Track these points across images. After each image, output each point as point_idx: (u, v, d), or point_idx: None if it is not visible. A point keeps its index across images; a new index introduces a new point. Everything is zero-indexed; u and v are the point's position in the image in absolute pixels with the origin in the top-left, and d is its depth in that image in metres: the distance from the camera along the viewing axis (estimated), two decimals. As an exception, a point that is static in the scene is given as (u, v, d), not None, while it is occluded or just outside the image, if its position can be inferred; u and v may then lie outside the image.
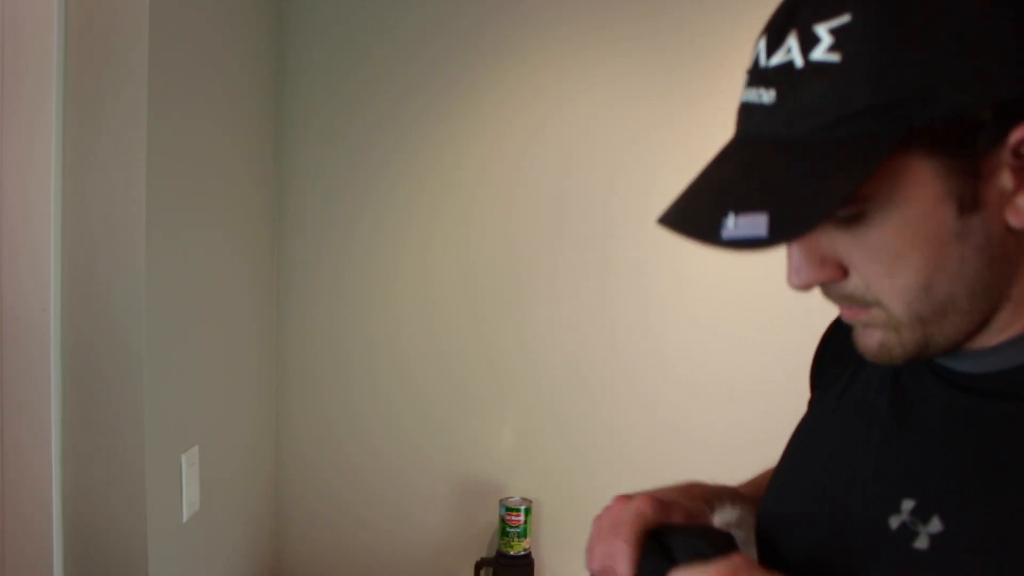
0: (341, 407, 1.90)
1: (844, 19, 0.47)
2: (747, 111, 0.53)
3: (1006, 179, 0.49)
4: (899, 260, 0.51)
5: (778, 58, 0.51)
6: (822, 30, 0.48)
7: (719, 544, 0.60)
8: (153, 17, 1.17)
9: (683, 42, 1.78)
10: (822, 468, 0.65)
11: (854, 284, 0.54)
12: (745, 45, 2.07)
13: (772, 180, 0.50)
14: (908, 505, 0.55)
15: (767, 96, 0.51)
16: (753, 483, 0.85)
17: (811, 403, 0.75)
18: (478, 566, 1.82)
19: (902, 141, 0.47)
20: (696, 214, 0.52)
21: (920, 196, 0.49)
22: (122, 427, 1.19)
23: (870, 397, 0.63)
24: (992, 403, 0.54)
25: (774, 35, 0.52)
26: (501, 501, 1.81)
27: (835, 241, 0.53)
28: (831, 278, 0.54)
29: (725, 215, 0.49)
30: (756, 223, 0.48)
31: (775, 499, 0.71)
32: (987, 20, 0.47)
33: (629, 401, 1.87)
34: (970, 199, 0.49)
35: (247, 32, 1.65)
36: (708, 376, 1.85)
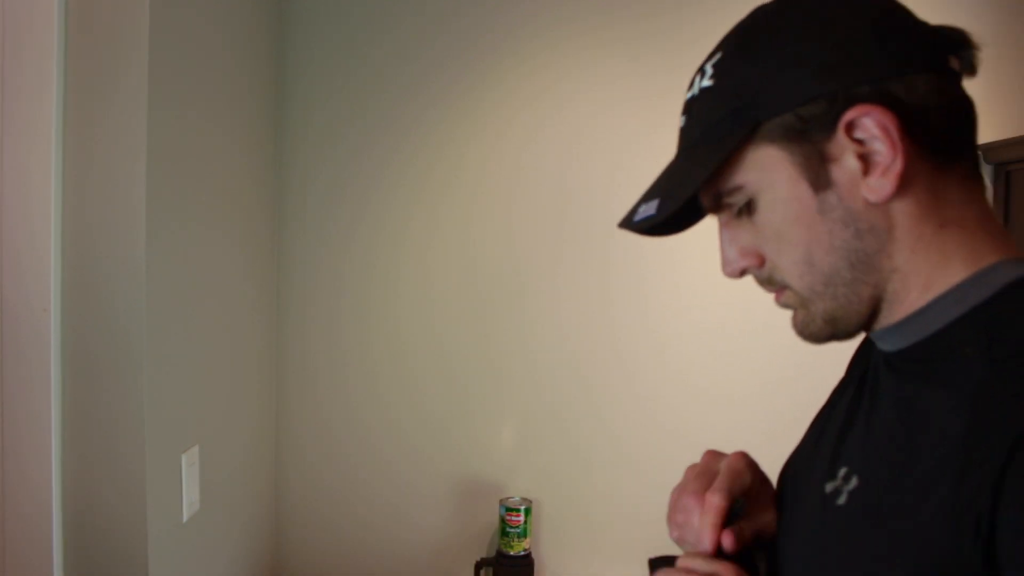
0: (341, 407, 1.90)
1: (718, 55, 0.64)
2: (678, 134, 0.69)
3: (852, 161, 0.59)
4: (783, 239, 0.63)
5: (691, 92, 0.67)
6: (708, 66, 0.65)
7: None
8: (153, 16, 1.17)
9: (683, 42, 1.78)
10: (810, 450, 0.74)
11: (768, 268, 0.66)
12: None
13: (669, 176, 0.67)
14: (842, 472, 0.63)
15: (683, 121, 0.68)
16: None
17: (834, 391, 0.81)
18: (478, 566, 1.82)
19: (755, 135, 0.61)
20: (630, 211, 0.68)
21: (780, 180, 0.61)
22: (122, 427, 1.19)
23: (850, 389, 0.71)
24: (897, 376, 0.62)
25: (692, 79, 0.67)
26: (501, 501, 1.81)
27: (747, 232, 0.66)
28: (752, 264, 0.67)
29: (639, 206, 0.67)
30: (651, 207, 0.65)
31: (785, 481, 0.77)
32: (807, 37, 0.60)
33: (629, 401, 1.87)
34: (820, 179, 0.60)
35: (248, 32, 1.65)
36: (707, 377, 1.84)
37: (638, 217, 0.66)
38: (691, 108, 0.66)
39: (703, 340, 1.84)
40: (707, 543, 0.67)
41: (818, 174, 0.60)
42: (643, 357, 1.86)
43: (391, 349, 1.89)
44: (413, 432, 1.90)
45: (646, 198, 0.66)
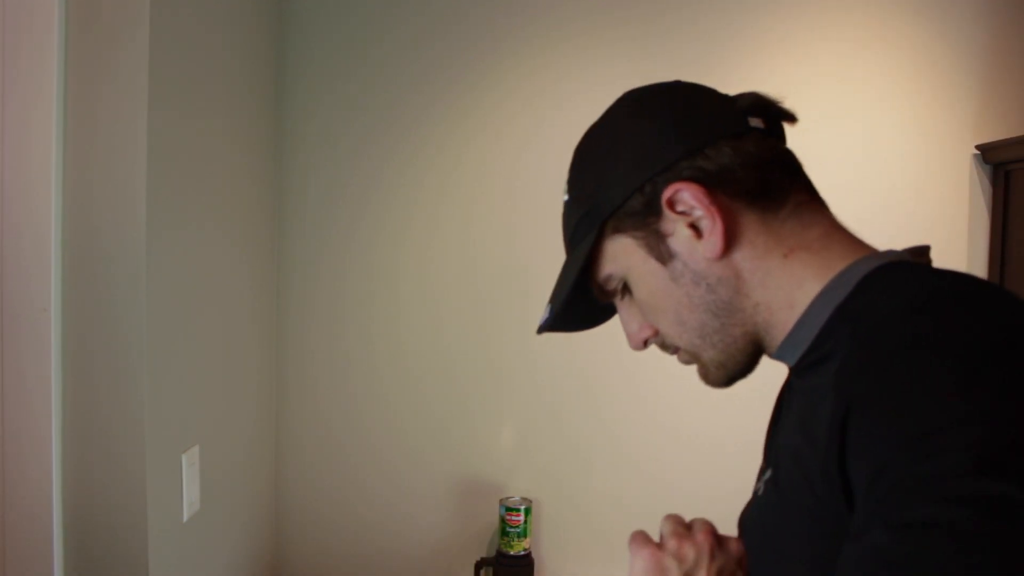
0: (341, 407, 1.91)
1: (569, 174, 0.80)
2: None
3: (684, 230, 0.69)
4: (655, 310, 0.73)
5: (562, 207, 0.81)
6: (566, 183, 0.80)
7: None
8: (153, 17, 1.18)
9: (683, 43, 1.78)
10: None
11: (661, 336, 0.75)
12: (744, 47, 2.08)
13: (556, 284, 0.79)
14: (767, 473, 0.71)
15: (563, 233, 0.82)
16: None
17: None
18: (478, 566, 1.82)
19: (604, 234, 0.73)
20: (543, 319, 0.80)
21: (634, 262, 0.72)
22: (122, 427, 1.19)
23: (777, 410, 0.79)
24: (799, 383, 0.69)
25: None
26: (501, 501, 1.81)
27: (636, 310, 0.76)
28: (648, 335, 0.76)
29: (546, 312, 0.79)
30: (547, 310, 0.78)
31: None
32: (622, 137, 0.72)
33: (629, 401, 1.87)
34: (662, 253, 0.70)
35: (247, 31, 1.66)
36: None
37: (541, 320, 0.79)
38: (562, 219, 0.80)
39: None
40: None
41: (660, 250, 0.70)
42: (643, 357, 1.86)
43: (391, 349, 1.89)
44: (413, 432, 1.90)
45: (547, 304, 0.78)
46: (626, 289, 0.75)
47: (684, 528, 0.70)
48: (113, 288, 1.18)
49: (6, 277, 1.16)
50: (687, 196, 0.67)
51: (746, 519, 0.73)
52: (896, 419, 0.50)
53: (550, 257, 1.88)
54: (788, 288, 0.67)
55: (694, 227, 0.68)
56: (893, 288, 0.62)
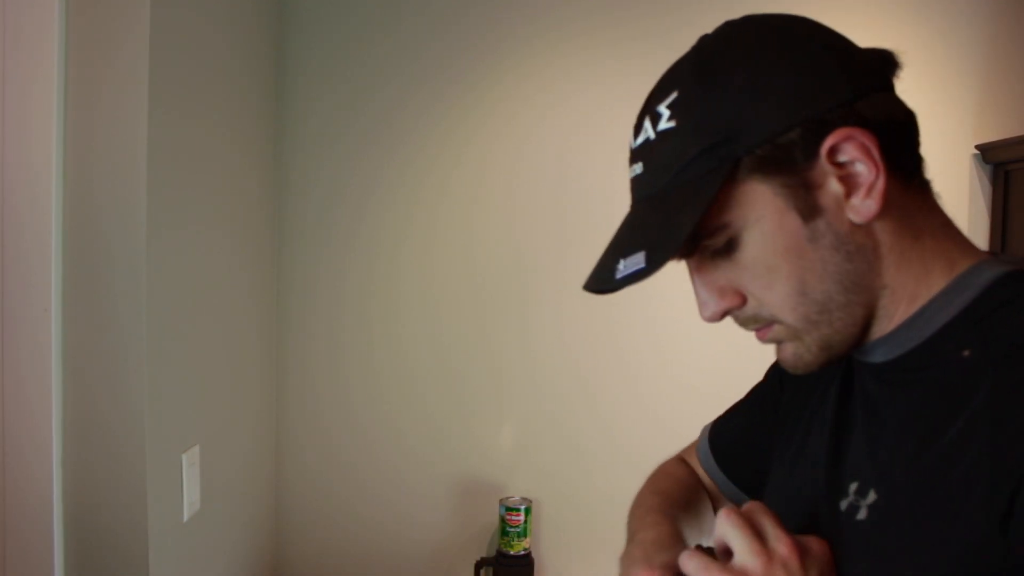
0: (342, 407, 1.91)
1: (674, 95, 0.62)
2: (631, 184, 0.66)
3: (835, 185, 0.59)
4: (772, 272, 0.61)
5: (640, 138, 0.64)
6: (662, 107, 0.63)
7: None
8: (154, 17, 1.18)
9: (683, 43, 1.78)
10: (797, 476, 0.73)
11: (751, 306, 0.64)
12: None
13: (645, 227, 0.62)
14: (852, 487, 0.63)
15: (638, 169, 0.64)
16: (664, 507, 0.92)
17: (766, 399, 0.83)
18: (478, 565, 1.82)
19: (735, 171, 0.59)
20: (600, 271, 0.63)
21: (766, 213, 0.60)
22: (123, 427, 1.20)
23: (827, 409, 0.71)
24: (893, 388, 0.62)
25: (636, 123, 0.66)
26: (501, 501, 1.81)
27: (726, 272, 0.63)
28: (732, 305, 0.64)
29: (617, 263, 0.61)
30: (637, 260, 0.60)
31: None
32: (772, 67, 0.59)
33: (629, 401, 1.87)
34: (808, 207, 0.59)
35: (247, 32, 1.66)
36: (706, 377, 1.85)
37: (623, 274, 0.60)
38: (648, 154, 0.63)
39: (702, 341, 1.84)
40: None
41: (806, 202, 0.59)
42: (643, 357, 1.87)
43: (391, 349, 1.89)
44: (413, 432, 1.90)
45: (623, 252, 0.62)
46: (726, 246, 0.62)
47: (756, 543, 0.59)
48: (113, 288, 1.18)
49: (7, 277, 1.16)
50: (854, 146, 0.58)
51: (836, 544, 0.63)
52: None
53: (550, 257, 1.89)
54: (917, 276, 0.61)
55: (845, 182, 0.59)
56: None
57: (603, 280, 0.62)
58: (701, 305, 0.66)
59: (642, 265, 0.59)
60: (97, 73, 1.17)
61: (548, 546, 1.90)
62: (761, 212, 0.60)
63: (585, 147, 1.85)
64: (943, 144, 1.80)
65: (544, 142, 1.85)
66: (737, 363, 1.84)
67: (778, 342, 0.65)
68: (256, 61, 1.72)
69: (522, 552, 1.80)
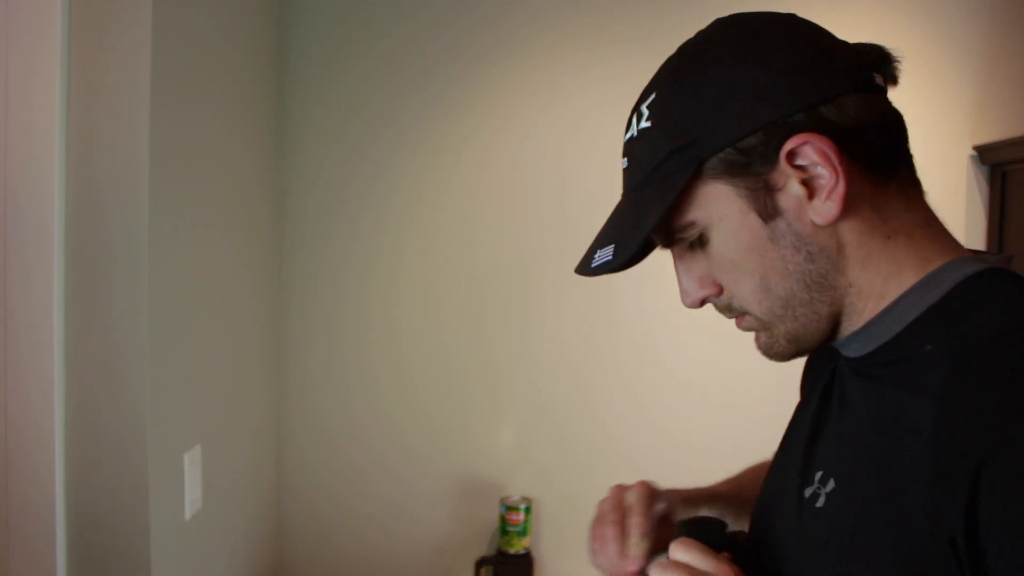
0: (343, 407, 1.91)
1: (653, 95, 0.65)
2: (622, 176, 0.70)
3: (797, 187, 0.61)
4: (738, 269, 0.64)
5: (628, 135, 0.68)
6: (643, 107, 0.66)
7: (716, 531, 0.69)
8: (156, 16, 1.18)
9: (681, 42, 1.79)
10: (782, 462, 0.76)
11: (725, 296, 0.67)
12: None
13: (619, 220, 0.67)
14: (818, 475, 0.65)
15: (624, 163, 0.69)
16: (735, 480, 0.93)
17: (797, 407, 0.83)
18: (478, 564, 1.83)
19: (700, 175, 0.62)
20: (585, 258, 0.69)
21: (730, 213, 0.63)
22: (125, 426, 1.20)
23: (815, 397, 0.73)
24: (864, 381, 0.64)
25: (628, 120, 0.68)
26: (501, 500, 1.82)
27: (703, 263, 0.67)
28: (710, 293, 0.68)
29: (595, 252, 0.67)
30: (607, 252, 0.65)
31: (760, 494, 0.79)
32: (741, 70, 0.61)
33: (627, 401, 1.88)
34: (768, 209, 0.62)
35: (249, 31, 1.66)
36: (704, 378, 1.85)
37: (595, 263, 0.66)
38: (631, 150, 0.67)
39: (701, 342, 1.84)
40: (631, 565, 0.73)
41: (766, 204, 0.61)
42: (641, 358, 1.87)
43: (392, 348, 1.90)
44: (414, 432, 1.91)
45: (600, 243, 0.67)
46: (700, 240, 0.65)
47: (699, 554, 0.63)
48: (115, 288, 1.19)
49: (9, 277, 1.16)
50: (811, 151, 0.59)
51: (796, 529, 0.66)
52: None
53: (550, 257, 1.89)
54: (885, 275, 0.62)
55: (807, 184, 0.61)
56: (1003, 301, 0.58)
57: (584, 267, 0.68)
58: (682, 293, 0.70)
59: (609, 258, 0.65)
60: (99, 72, 1.17)
61: (548, 545, 1.90)
62: (725, 212, 0.63)
63: (584, 147, 1.85)
64: (941, 145, 1.81)
65: (543, 142, 1.86)
66: (736, 364, 1.84)
67: (751, 331, 0.69)
68: (257, 60, 1.72)
69: (522, 551, 1.80)
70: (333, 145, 1.88)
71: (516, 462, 1.90)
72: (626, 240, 0.64)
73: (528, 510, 1.81)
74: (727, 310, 0.69)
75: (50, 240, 1.16)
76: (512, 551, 1.80)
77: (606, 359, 1.88)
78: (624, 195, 0.69)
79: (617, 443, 1.88)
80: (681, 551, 0.64)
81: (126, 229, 1.18)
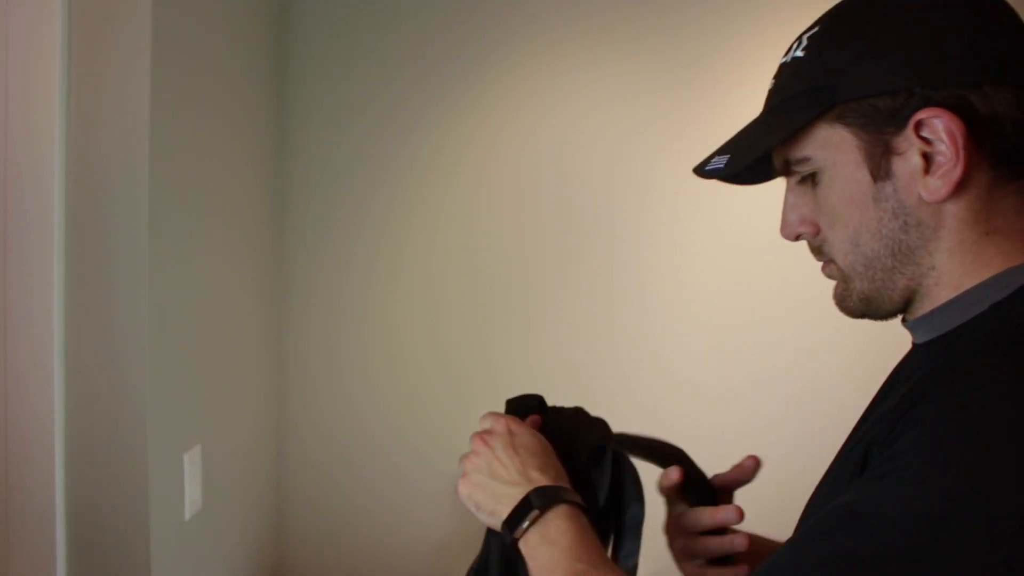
0: (343, 406, 1.91)
1: (815, 29, 0.67)
2: (767, 95, 0.71)
3: (916, 158, 0.61)
4: (836, 216, 0.66)
5: (785, 58, 0.70)
6: (805, 37, 0.68)
7: (531, 403, 0.84)
8: (156, 16, 1.18)
9: (682, 42, 1.79)
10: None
11: (819, 239, 0.69)
12: (740, 48, 2.09)
13: (743, 136, 0.70)
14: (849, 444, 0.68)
15: (772, 83, 0.71)
16: None
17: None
18: (478, 564, 1.83)
19: (828, 116, 0.64)
20: (706, 159, 0.72)
21: (843, 161, 0.64)
22: (125, 426, 1.20)
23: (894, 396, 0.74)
24: (921, 367, 0.65)
25: (791, 45, 0.70)
26: (501, 500, 1.82)
27: (809, 202, 0.69)
28: (807, 232, 0.70)
29: (713, 156, 0.71)
30: (721, 160, 0.69)
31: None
32: (895, 32, 0.62)
33: (627, 400, 1.88)
34: (881, 169, 0.63)
35: (249, 31, 1.66)
36: (705, 378, 1.85)
37: (709, 167, 0.70)
38: (781, 73, 0.69)
39: (701, 342, 1.84)
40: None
41: (880, 164, 0.63)
42: (641, 356, 1.87)
43: (392, 348, 1.90)
44: (414, 430, 1.91)
45: (720, 151, 0.70)
46: (811, 178, 0.67)
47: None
48: (116, 288, 1.19)
49: (9, 276, 1.16)
50: (940, 126, 0.59)
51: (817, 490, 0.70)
52: (945, 466, 0.51)
53: (550, 257, 1.89)
54: (968, 268, 0.62)
55: (926, 158, 0.61)
56: None
57: (699, 167, 0.72)
58: (783, 223, 0.71)
59: (721, 166, 0.68)
60: (99, 72, 1.17)
61: (548, 545, 1.90)
62: (839, 158, 0.64)
63: (584, 146, 1.85)
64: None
65: (544, 141, 1.86)
66: (737, 363, 1.85)
67: (832, 279, 0.70)
68: (258, 60, 1.72)
69: (522, 551, 1.80)
70: (333, 144, 1.88)
71: (516, 462, 1.90)
72: (740, 154, 0.68)
73: (528, 510, 1.80)
74: (816, 251, 0.70)
75: (50, 240, 1.16)
76: (512, 551, 1.80)
77: (606, 357, 1.88)
78: (761, 113, 0.71)
79: (617, 443, 1.88)
80: (483, 420, 0.78)
81: (126, 229, 1.18)
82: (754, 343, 1.82)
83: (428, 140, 1.87)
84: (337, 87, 1.87)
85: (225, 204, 1.55)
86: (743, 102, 1.88)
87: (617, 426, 2.04)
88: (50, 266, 1.16)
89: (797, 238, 0.71)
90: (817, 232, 0.69)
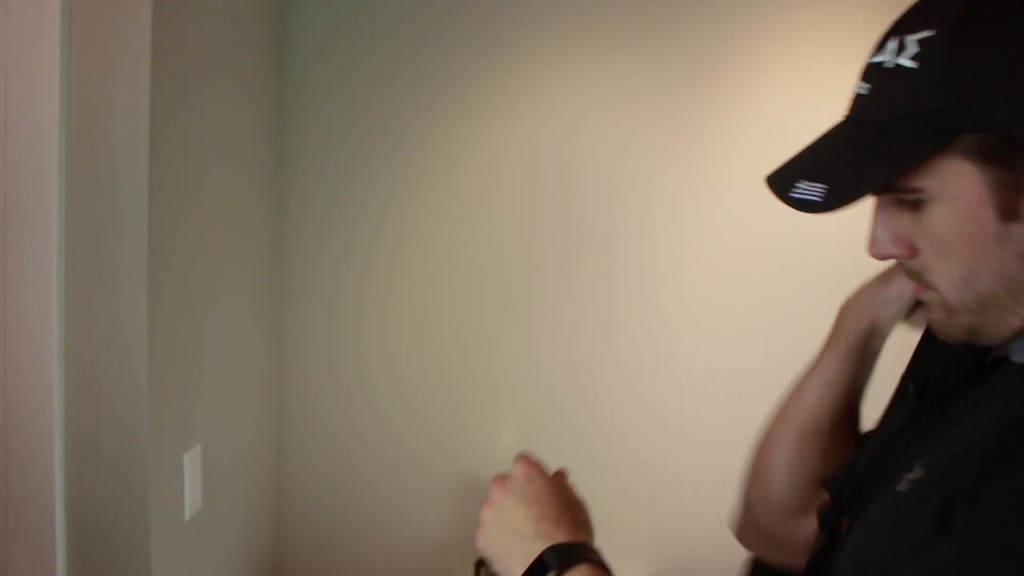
0: (343, 406, 1.91)
1: (929, 33, 0.56)
2: (852, 98, 0.62)
3: None
4: (948, 250, 0.58)
5: (878, 57, 0.60)
6: (911, 40, 0.57)
7: None
8: (156, 16, 1.18)
9: (682, 42, 1.79)
10: (878, 448, 0.71)
11: (919, 263, 0.61)
12: (740, 48, 2.09)
13: (839, 160, 0.60)
14: (917, 464, 0.60)
15: (863, 88, 0.61)
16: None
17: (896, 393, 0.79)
18: (478, 564, 1.82)
19: (950, 146, 0.55)
20: (784, 174, 0.61)
21: (965, 197, 0.56)
22: (125, 427, 1.20)
23: (933, 382, 0.69)
24: (1009, 392, 0.60)
25: (881, 39, 0.60)
26: (501, 500, 1.82)
27: (907, 224, 0.60)
28: (902, 254, 0.62)
29: (798, 180, 0.59)
30: (816, 191, 0.58)
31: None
32: None
33: (628, 400, 1.88)
34: (1009, 209, 0.55)
35: (249, 31, 1.66)
36: (705, 377, 1.85)
37: (797, 195, 0.59)
38: (878, 79, 0.59)
39: (702, 341, 1.84)
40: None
41: (1009, 204, 0.55)
42: (642, 356, 1.87)
43: (392, 348, 1.90)
44: (414, 431, 1.90)
45: (808, 173, 0.60)
46: (918, 204, 0.59)
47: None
48: (115, 288, 1.19)
49: (9, 276, 1.16)
50: None
51: (876, 513, 0.63)
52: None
53: (550, 257, 1.89)
54: None
55: None
56: None
57: (779, 186, 0.61)
58: (872, 240, 0.63)
59: (817, 200, 0.58)
60: (99, 71, 1.17)
61: (548, 545, 1.90)
62: (960, 194, 0.56)
63: (585, 146, 1.85)
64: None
65: (544, 141, 1.85)
66: (736, 363, 1.84)
67: (928, 303, 0.64)
68: (258, 60, 1.72)
69: (522, 551, 1.80)
70: (334, 144, 1.88)
71: (516, 462, 1.90)
72: (843, 190, 0.58)
73: (528, 510, 1.80)
74: (913, 275, 0.63)
75: (50, 240, 1.16)
76: (512, 551, 1.79)
77: (606, 358, 1.88)
78: (850, 122, 0.62)
79: (617, 442, 1.88)
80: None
81: (126, 229, 1.18)
82: (755, 343, 1.82)
83: (428, 139, 1.87)
84: (337, 87, 1.87)
85: (225, 204, 1.55)
86: (743, 102, 1.89)
87: (617, 427, 2.04)
88: (50, 266, 1.16)
89: (886, 258, 0.63)
90: (914, 255, 0.61)
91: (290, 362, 1.91)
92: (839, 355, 0.79)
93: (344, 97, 1.87)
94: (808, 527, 0.82)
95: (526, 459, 0.78)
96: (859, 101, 0.61)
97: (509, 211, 1.87)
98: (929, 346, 0.76)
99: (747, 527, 0.91)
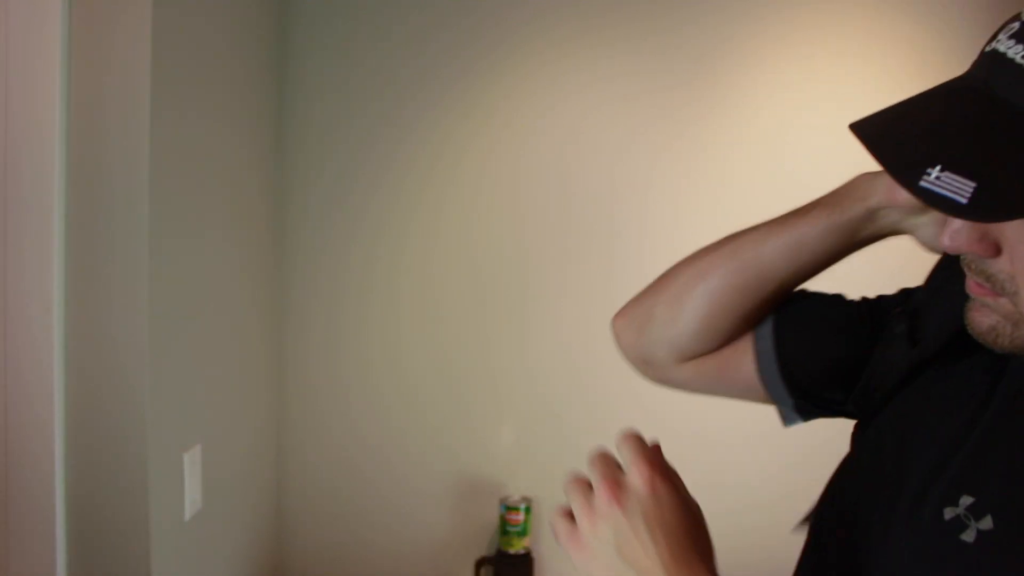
0: (343, 406, 1.91)
1: None
2: (998, 63, 0.48)
3: None
4: None
5: None
6: None
7: None
8: (156, 16, 1.18)
9: (682, 42, 1.79)
10: (894, 460, 0.63)
11: (1000, 268, 0.51)
12: (740, 48, 2.08)
13: (997, 153, 0.45)
14: (966, 501, 0.53)
15: (1018, 52, 0.47)
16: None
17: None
18: (478, 564, 1.83)
19: None
20: (902, 146, 0.48)
21: None
22: (125, 426, 1.20)
23: (964, 388, 0.61)
24: None
25: None
26: (501, 500, 1.82)
27: (1006, 224, 0.49)
28: (982, 254, 0.51)
29: (932, 163, 0.45)
30: (960, 188, 0.44)
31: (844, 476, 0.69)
32: None
33: (628, 400, 1.88)
34: None
35: (249, 30, 1.66)
36: (707, 375, 1.85)
37: (931, 186, 0.45)
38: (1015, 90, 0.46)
39: (702, 339, 1.84)
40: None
41: None
42: (642, 356, 1.87)
43: (392, 348, 1.90)
44: (414, 431, 1.91)
45: (951, 163, 0.45)
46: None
47: (582, 503, 0.60)
48: (115, 287, 1.19)
49: (9, 276, 1.16)
50: None
51: (933, 554, 0.55)
52: None
53: (550, 257, 1.89)
54: None
55: None
56: None
57: (899, 163, 0.47)
58: (951, 231, 0.51)
59: (961, 202, 0.44)
60: (100, 71, 1.17)
61: (548, 545, 1.90)
62: None
63: (585, 146, 1.85)
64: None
65: (544, 141, 1.86)
66: (736, 362, 1.85)
67: (987, 307, 0.54)
68: (258, 60, 1.72)
69: (522, 551, 1.80)
70: (333, 144, 1.88)
71: (516, 462, 1.90)
72: (1002, 198, 0.44)
73: (528, 510, 1.80)
74: (984, 276, 0.52)
75: (50, 239, 1.16)
76: (512, 551, 1.80)
77: (606, 358, 1.88)
78: (993, 98, 0.48)
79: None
80: (623, 444, 0.60)
81: (126, 229, 1.18)
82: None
83: (428, 139, 1.87)
84: (337, 87, 1.87)
85: (225, 204, 1.55)
86: (743, 102, 1.89)
87: (617, 427, 2.03)
88: (50, 265, 1.16)
89: (959, 253, 0.53)
90: (993, 255, 0.51)
91: (290, 362, 1.91)
92: (828, 222, 0.72)
93: (344, 97, 1.87)
94: (683, 377, 0.78)
95: (647, 459, 0.60)
96: (1009, 70, 0.46)
97: (509, 211, 1.87)
98: (933, 294, 0.68)
99: (628, 325, 0.85)
